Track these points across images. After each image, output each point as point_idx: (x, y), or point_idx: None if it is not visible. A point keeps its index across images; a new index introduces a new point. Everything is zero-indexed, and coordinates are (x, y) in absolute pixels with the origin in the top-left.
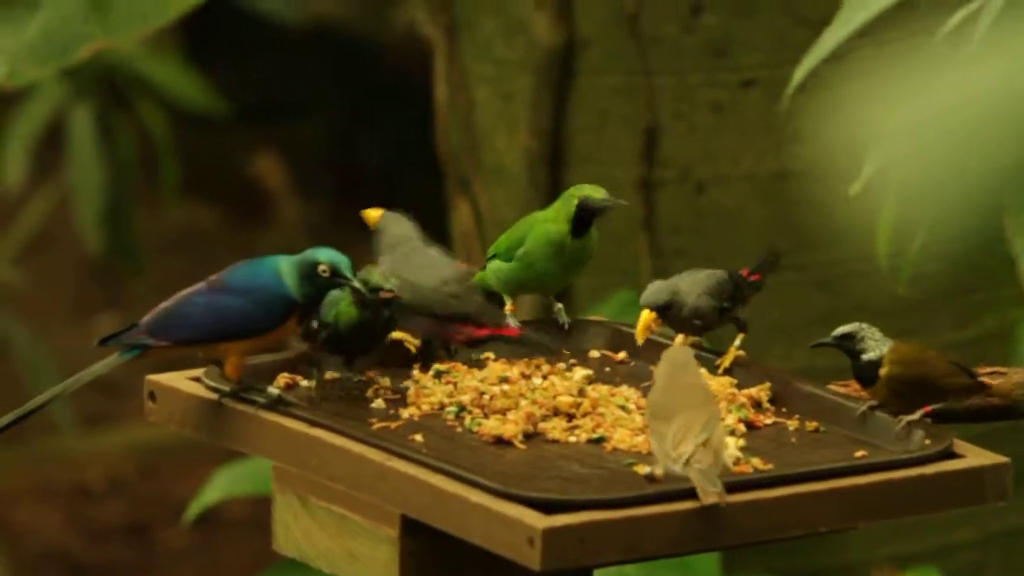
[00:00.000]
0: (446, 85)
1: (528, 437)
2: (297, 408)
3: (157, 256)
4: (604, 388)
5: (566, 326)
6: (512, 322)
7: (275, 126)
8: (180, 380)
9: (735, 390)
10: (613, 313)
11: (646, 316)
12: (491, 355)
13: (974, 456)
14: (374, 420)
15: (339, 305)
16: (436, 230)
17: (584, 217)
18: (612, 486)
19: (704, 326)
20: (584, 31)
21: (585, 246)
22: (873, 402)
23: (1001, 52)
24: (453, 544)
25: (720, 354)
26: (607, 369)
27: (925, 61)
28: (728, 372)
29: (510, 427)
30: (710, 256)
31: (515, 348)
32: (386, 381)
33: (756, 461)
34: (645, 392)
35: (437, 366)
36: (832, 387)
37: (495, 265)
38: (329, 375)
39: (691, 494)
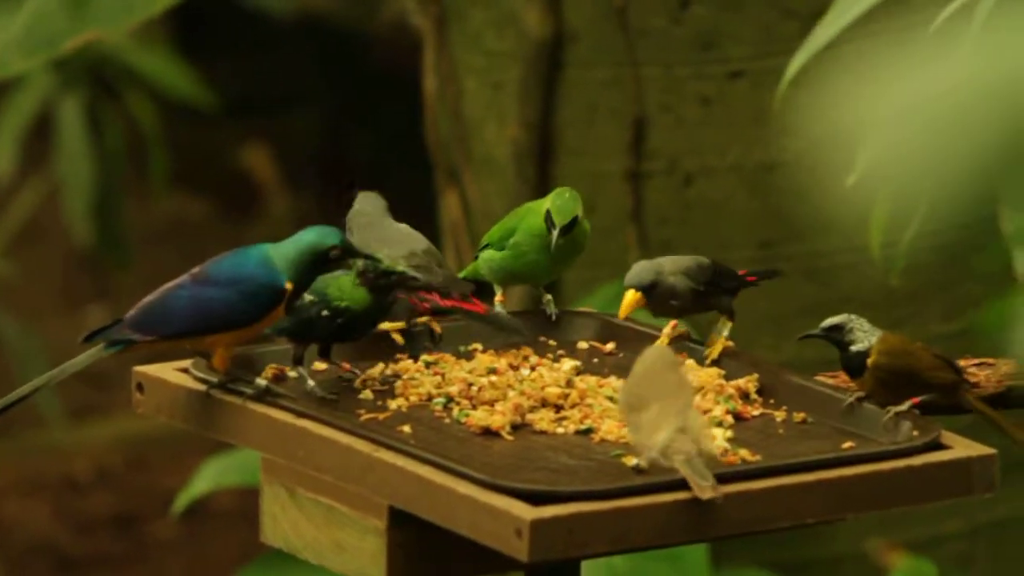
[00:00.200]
0: (435, 76)
1: (516, 428)
2: (285, 399)
3: (146, 248)
4: (592, 379)
5: (554, 317)
6: (499, 310)
7: (264, 118)
8: (168, 371)
9: (723, 381)
10: (601, 305)
11: (631, 296)
12: (479, 346)
13: (961, 447)
14: (362, 411)
15: (345, 290)
16: (425, 221)
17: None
18: (600, 477)
19: (680, 307)
20: (573, 23)
21: (575, 239)
22: (861, 393)
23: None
24: (441, 535)
25: (705, 345)
26: (595, 360)
27: (917, 52)
28: (716, 363)
29: (498, 418)
30: (698, 248)
31: (486, 328)
32: (374, 372)
33: (744, 452)
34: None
35: (425, 357)
36: (820, 378)
37: (487, 255)
38: (317, 366)
39: (679, 485)
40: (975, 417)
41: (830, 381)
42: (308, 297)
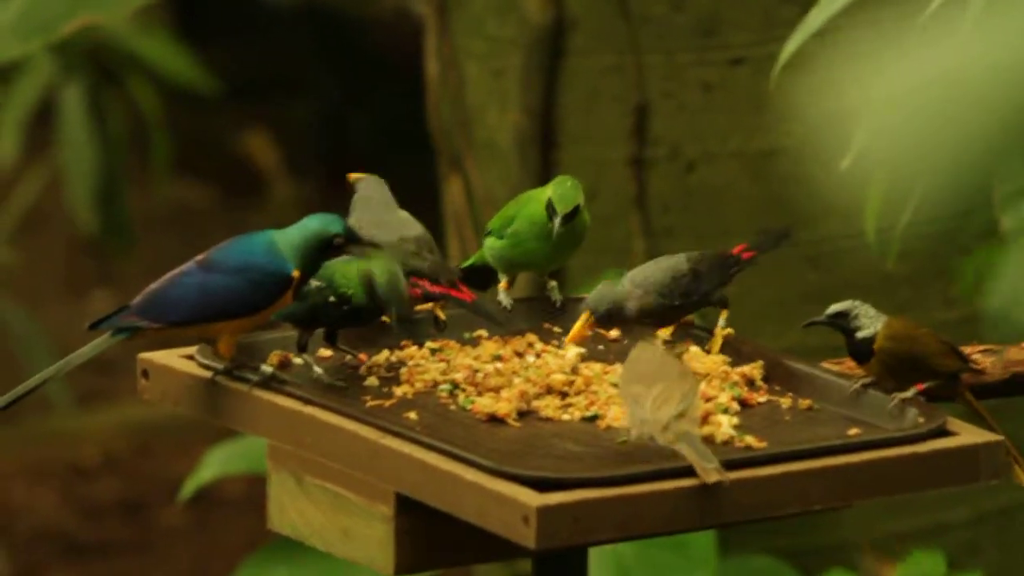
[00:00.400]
0: (437, 62)
1: (522, 415)
2: (291, 386)
3: (149, 234)
4: (597, 366)
5: (559, 304)
6: (503, 297)
7: (266, 104)
8: (173, 358)
9: (728, 368)
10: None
11: (583, 318)
12: (484, 333)
13: (967, 434)
14: (368, 398)
15: (351, 277)
16: (428, 207)
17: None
18: (606, 464)
19: (660, 323)
20: (574, 10)
21: (575, 229)
22: (866, 380)
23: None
24: (448, 522)
25: (710, 332)
26: (600, 347)
27: (913, 37)
28: (720, 350)
29: (503, 405)
30: (700, 234)
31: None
32: (379, 359)
33: (750, 439)
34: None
35: (430, 344)
36: (825, 365)
37: (489, 242)
38: (322, 353)
39: (686, 472)
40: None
41: (835, 368)
42: (314, 283)
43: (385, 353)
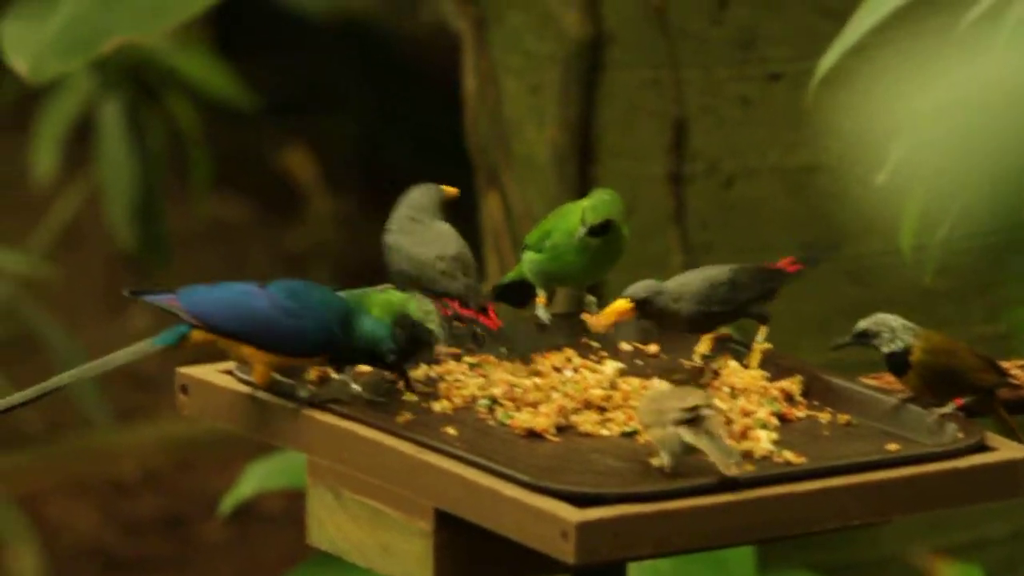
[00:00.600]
0: (475, 77)
1: (560, 430)
2: (330, 402)
3: (187, 249)
4: (636, 381)
5: (589, 325)
6: (540, 312)
7: (304, 119)
8: (212, 373)
9: (767, 383)
10: None
11: (620, 303)
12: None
13: (1007, 449)
14: (406, 413)
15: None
16: (466, 223)
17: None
18: (646, 479)
19: (694, 330)
20: (612, 24)
21: (611, 242)
22: (905, 395)
23: None
24: (487, 537)
25: (748, 347)
26: (638, 362)
27: (950, 52)
28: (759, 365)
29: (542, 420)
30: (739, 250)
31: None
32: (418, 374)
33: (789, 454)
34: (677, 384)
35: (468, 359)
36: (864, 380)
37: (528, 256)
38: (360, 368)
39: (725, 487)
40: (1020, 419)
41: (874, 383)
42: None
43: (423, 368)
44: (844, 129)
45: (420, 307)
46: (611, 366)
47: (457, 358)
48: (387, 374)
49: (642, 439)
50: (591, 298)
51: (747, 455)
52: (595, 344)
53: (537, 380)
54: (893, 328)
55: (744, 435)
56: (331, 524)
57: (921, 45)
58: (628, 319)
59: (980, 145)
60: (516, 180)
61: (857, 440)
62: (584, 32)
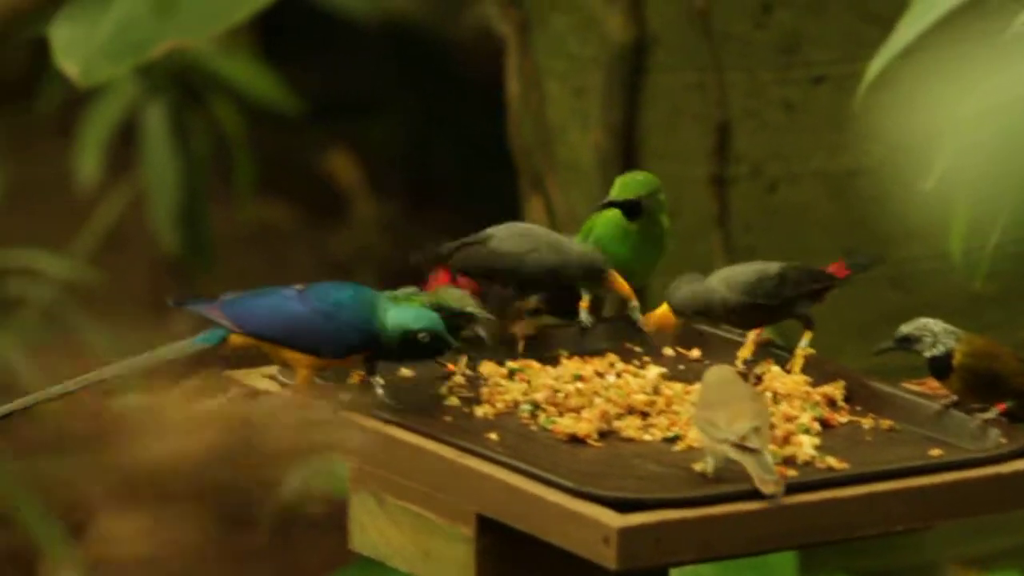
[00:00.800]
0: (518, 81)
1: (603, 435)
2: (371, 407)
3: (231, 253)
4: (678, 386)
5: (640, 324)
6: (584, 316)
7: (348, 124)
8: (256, 377)
9: (809, 388)
10: None
11: (663, 310)
12: (564, 353)
13: None
14: (448, 418)
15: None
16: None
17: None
18: (688, 485)
19: (741, 322)
20: (655, 28)
21: (649, 229)
22: (948, 400)
23: None
24: (529, 543)
25: (791, 352)
26: (681, 367)
27: (995, 56)
28: (802, 370)
29: (584, 425)
30: (782, 253)
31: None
32: (460, 379)
33: (831, 460)
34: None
35: (510, 363)
36: (907, 385)
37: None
38: (403, 373)
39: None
40: None
41: (917, 388)
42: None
43: (467, 373)
44: (888, 133)
45: (454, 297)
46: (654, 371)
47: (500, 363)
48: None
49: (684, 445)
50: (634, 303)
51: (789, 460)
52: (638, 349)
53: (580, 385)
54: (935, 332)
55: (786, 440)
56: (373, 529)
57: (966, 49)
58: (673, 325)
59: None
60: (560, 184)
61: (900, 445)
62: (628, 35)
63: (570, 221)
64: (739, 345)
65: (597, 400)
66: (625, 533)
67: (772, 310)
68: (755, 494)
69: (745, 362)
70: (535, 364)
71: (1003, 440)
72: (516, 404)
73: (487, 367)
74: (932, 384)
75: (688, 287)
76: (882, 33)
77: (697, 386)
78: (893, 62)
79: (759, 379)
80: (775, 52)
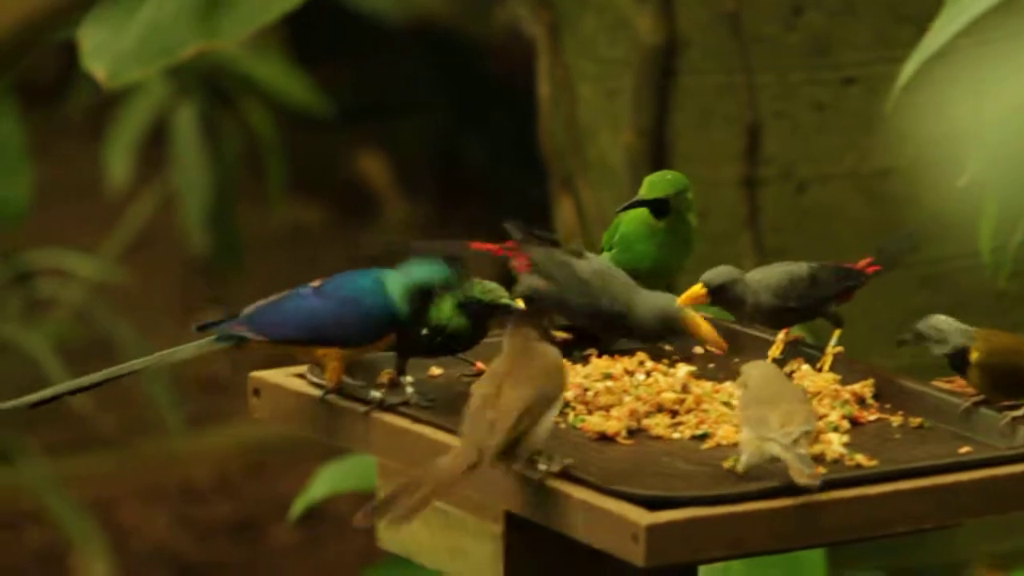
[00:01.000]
0: (549, 83)
1: (632, 433)
2: (401, 405)
3: (261, 255)
4: (708, 384)
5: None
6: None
7: (379, 125)
8: (284, 377)
9: (839, 386)
10: (715, 311)
11: (694, 288)
12: (594, 351)
13: None
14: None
15: (444, 311)
16: (540, 228)
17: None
18: (716, 483)
19: (771, 324)
20: (685, 30)
21: (676, 227)
22: (977, 398)
23: None
24: (557, 540)
25: (821, 350)
26: (710, 366)
27: None
28: (831, 368)
29: (614, 423)
30: (812, 254)
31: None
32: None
33: (860, 457)
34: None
35: None
36: (936, 383)
37: (603, 256)
38: (433, 371)
39: (796, 491)
40: None
41: (947, 386)
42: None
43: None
44: (918, 133)
45: (486, 289)
46: (683, 369)
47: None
48: (461, 377)
49: (712, 442)
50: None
51: (818, 458)
52: (667, 348)
53: (609, 383)
54: (943, 331)
55: (816, 438)
56: (402, 527)
57: (995, 49)
58: (702, 303)
59: None
60: (590, 185)
61: (929, 443)
62: (658, 37)
63: (600, 222)
64: (769, 344)
65: (626, 398)
66: (654, 530)
67: (802, 312)
68: (784, 491)
69: (775, 361)
70: (565, 362)
71: None
72: None
73: None
74: (961, 382)
75: (724, 267)
76: (913, 34)
77: (727, 384)
78: (925, 63)
79: (789, 377)
80: (805, 53)
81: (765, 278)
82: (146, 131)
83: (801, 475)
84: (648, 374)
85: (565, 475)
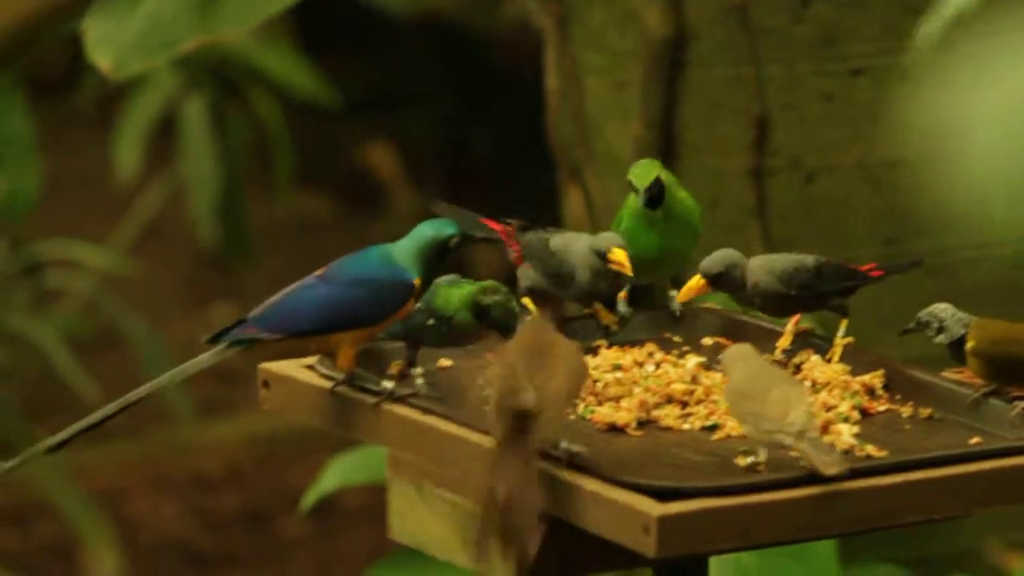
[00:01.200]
0: (557, 75)
1: (642, 424)
2: (411, 397)
3: (270, 246)
4: (717, 375)
5: (678, 313)
6: (621, 307)
7: (387, 116)
8: (294, 368)
9: (848, 377)
10: (724, 301)
11: (695, 280)
12: (604, 343)
13: None
14: (488, 407)
15: (452, 301)
16: (548, 220)
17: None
18: (726, 473)
19: (771, 309)
20: (694, 22)
21: (673, 212)
22: (986, 388)
23: None
24: (568, 531)
25: (830, 341)
26: (720, 356)
27: None
28: (841, 359)
29: (623, 414)
30: (820, 244)
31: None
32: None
33: (870, 448)
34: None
35: None
36: (946, 374)
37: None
38: (443, 363)
39: (807, 481)
40: None
41: (956, 377)
42: (416, 305)
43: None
44: (925, 124)
45: (493, 297)
46: (692, 360)
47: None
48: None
49: (722, 433)
50: (673, 292)
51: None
52: (677, 339)
53: (619, 375)
54: (941, 319)
55: (826, 429)
56: (412, 518)
57: (1002, 40)
58: (704, 293)
59: None
60: (598, 177)
61: (939, 434)
62: (666, 30)
63: (607, 213)
64: (778, 335)
65: (636, 389)
66: (665, 521)
67: (803, 301)
68: (794, 482)
69: (784, 351)
70: None
71: None
72: None
73: None
74: (970, 372)
75: (721, 252)
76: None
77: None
78: (932, 53)
79: (798, 368)
80: (813, 45)
81: (769, 262)
82: (155, 123)
83: (827, 466)
84: (658, 365)
85: (576, 466)
